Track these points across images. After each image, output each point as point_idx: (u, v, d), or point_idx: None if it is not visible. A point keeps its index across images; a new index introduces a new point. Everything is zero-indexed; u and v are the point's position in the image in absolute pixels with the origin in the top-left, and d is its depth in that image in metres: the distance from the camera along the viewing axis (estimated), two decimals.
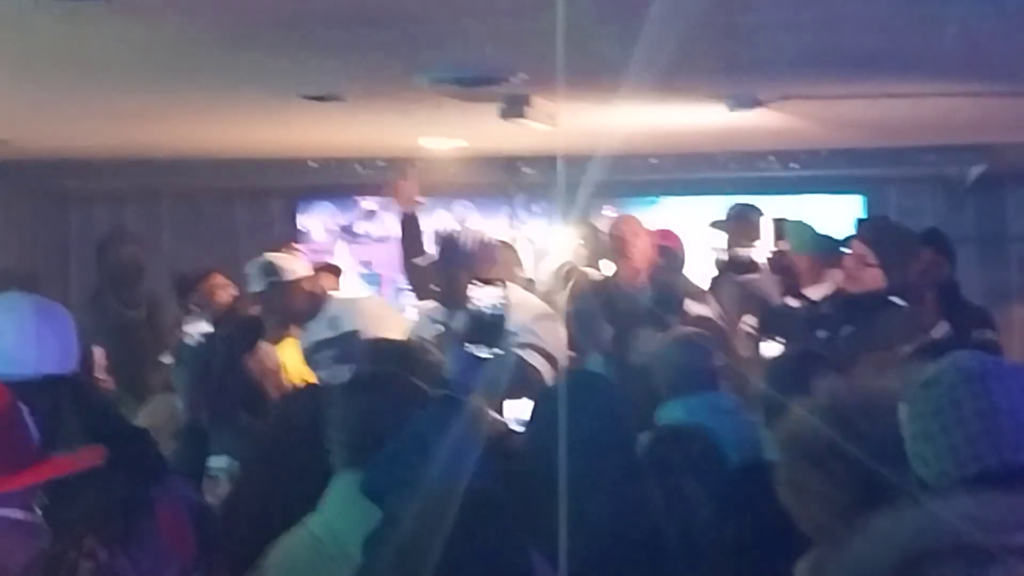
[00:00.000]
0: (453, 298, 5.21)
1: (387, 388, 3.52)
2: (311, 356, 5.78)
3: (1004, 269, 9.35)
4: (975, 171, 8.61)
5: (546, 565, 2.91)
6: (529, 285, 6.32)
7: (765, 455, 3.22)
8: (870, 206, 9.10)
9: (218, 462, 4.48)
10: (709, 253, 6.42)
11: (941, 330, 5.35)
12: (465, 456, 2.97)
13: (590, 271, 6.40)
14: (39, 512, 2.51)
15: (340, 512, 3.27)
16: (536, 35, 4.22)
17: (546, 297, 5.93)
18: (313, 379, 5.47)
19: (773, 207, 6.61)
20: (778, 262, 5.57)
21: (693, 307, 5.61)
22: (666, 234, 6.73)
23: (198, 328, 4.82)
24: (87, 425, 2.99)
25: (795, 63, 5.22)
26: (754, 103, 6.02)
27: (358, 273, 9.25)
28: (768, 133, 7.17)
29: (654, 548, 3.48)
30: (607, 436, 3.56)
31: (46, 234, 9.48)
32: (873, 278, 5.28)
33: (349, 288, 7.58)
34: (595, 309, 5.90)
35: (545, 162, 8.52)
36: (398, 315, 6.34)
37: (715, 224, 6.54)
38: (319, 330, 5.84)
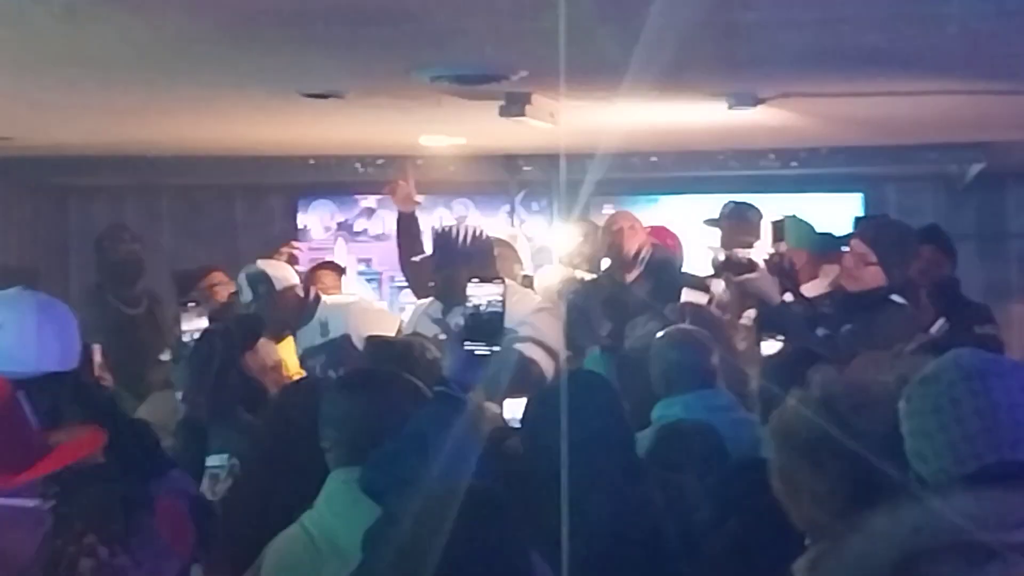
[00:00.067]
0: (451, 295, 5.21)
1: (382, 386, 3.51)
2: (304, 362, 5.78)
3: (1003, 267, 9.37)
4: (974, 169, 8.61)
5: (544, 565, 2.91)
6: (528, 282, 6.33)
7: (762, 453, 3.21)
8: (869, 204, 9.12)
9: (218, 460, 4.48)
10: (706, 252, 6.42)
11: (941, 327, 5.35)
12: (464, 454, 2.97)
13: (588, 269, 6.41)
14: (48, 500, 2.51)
15: (335, 510, 3.27)
16: (536, 33, 4.22)
17: (545, 294, 5.93)
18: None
19: (773, 205, 6.61)
20: (777, 263, 5.57)
21: (689, 296, 5.61)
22: (661, 231, 6.73)
23: (196, 325, 4.82)
24: (88, 421, 2.99)
25: (795, 61, 5.22)
26: (754, 101, 6.02)
27: (357, 271, 9.25)
28: (768, 131, 7.17)
29: (654, 547, 3.48)
30: (606, 436, 3.57)
31: (46, 230, 9.49)
32: (873, 276, 5.28)
33: (350, 286, 7.58)
34: (593, 305, 5.91)
35: (545, 160, 8.52)
36: (389, 316, 6.34)
37: (709, 222, 6.54)
38: (312, 336, 5.84)
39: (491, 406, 3.97)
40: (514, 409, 4.08)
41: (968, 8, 4.25)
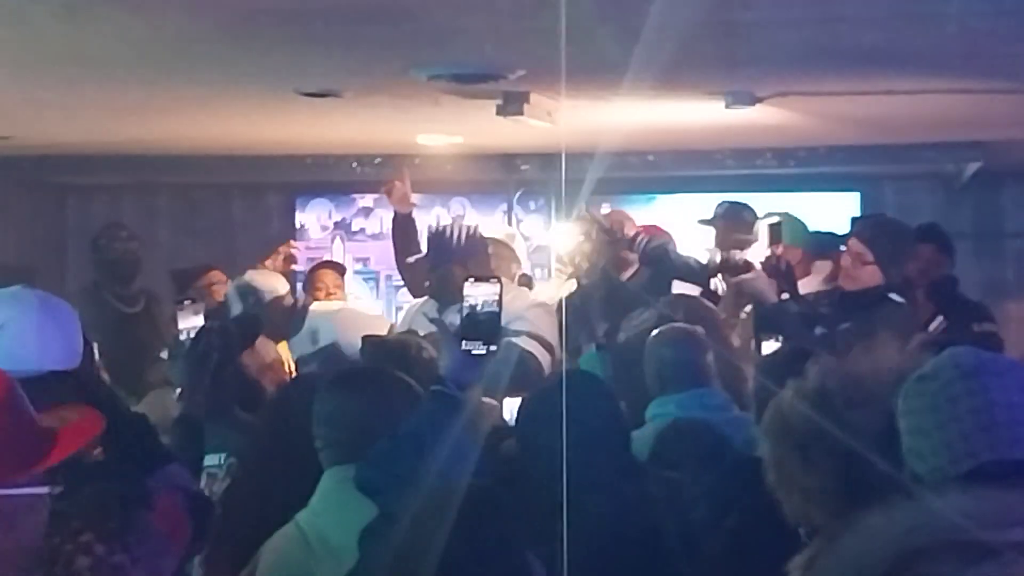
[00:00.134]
0: (446, 294, 5.21)
1: (374, 384, 3.51)
2: (298, 371, 5.77)
3: (1000, 265, 9.38)
4: (972, 168, 8.61)
5: (540, 566, 2.91)
6: (526, 281, 6.33)
7: (756, 452, 3.21)
8: (867, 203, 9.12)
9: (215, 459, 4.48)
10: (702, 253, 6.42)
11: (939, 325, 5.36)
12: (461, 453, 2.97)
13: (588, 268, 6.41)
14: (56, 487, 2.50)
15: (328, 508, 3.27)
16: (534, 32, 4.23)
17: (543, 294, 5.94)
18: None
19: (770, 204, 6.61)
20: (773, 265, 5.57)
21: (681, 288, 5.61)
22: (654, 230, 6.73)
23: (193, 322, 4.81)
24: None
25: (793, 60, 5.23)
26: (752, 100, 6.02)
27: (354, 270, 9.25)
28: (766, 130, 7.18)
29: (651, 547, 3.48)
30: (601, 436, 3.56)
31: (44, 229, 9.49)
32: (870, 275, 5.29)
33: (350, 286, 7.57)
34: (591, 306, 5.90)
35: (543, 159, 8.52)
36: (379, 320, 6.33)
37: (703, 221, 6.54)
38: (302, 345, 5.83)
39: (489, 401, 3.97)
40: (512, 409, 4.09)
41: (966, 7, 4.25)
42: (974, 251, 8.97)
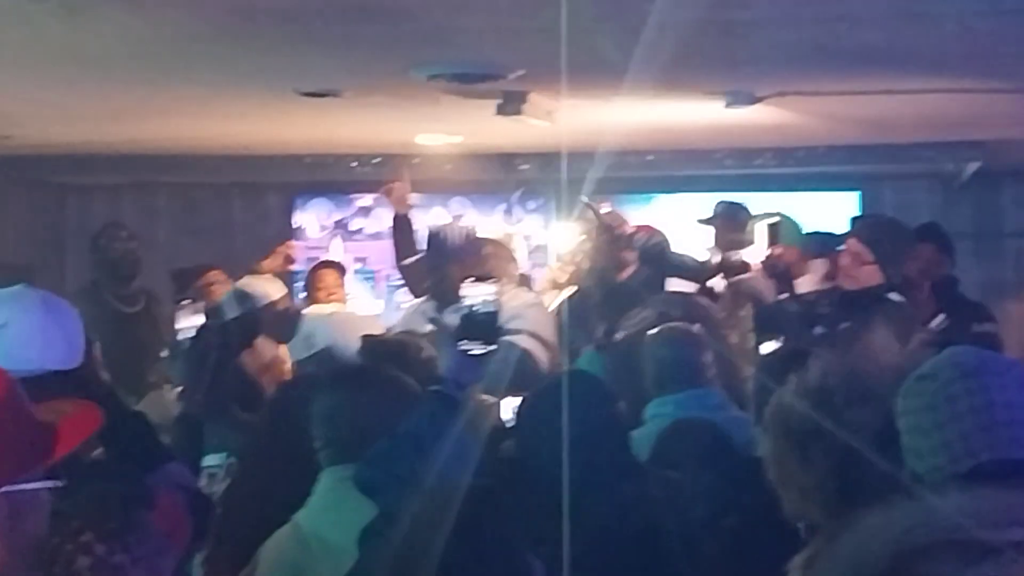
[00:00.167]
0: (444, 294, 5.22)
1: (372, 384, 3.51)
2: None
3: (1000, 265, 9.38)
4: (971, 167, 8.61)
5: (540, 566, 2.92)
6: (525, 281, 6.33)
7: (755, 452, 3.22)
8: (866, 202, 9.12)
9: (215, 459, 4.48)
10: (702, 253, 6.43)
11: (940, 323, 5.36)
12: (460, 453, 2.97)
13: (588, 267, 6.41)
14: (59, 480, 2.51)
15: (327, 508, 3.27)
16: (534, 32, 4.23)
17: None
18: None
19: (769, 204, 6.61)
20: (772, 266, 5.58)
21: (676, 285, 5.61)
22: (648, 229, 6.73)
23: (192, 322, 4.82)
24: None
25: (792, 59, 5.23)
26: (751, 99, 6.03)
27: (353, 270, 9.25)
28: (765, 129, 7.18)
29: (651, 546, 3.48)
30: (599, 436, 3.56)
31: (43, 228, 9.49)
32: (870, 275, 5.28)
33: (351, 285, 7.57)
34: (590, 305, 5.91)
35: (542, 159, 8.52)
36: (373, 322, 6.32)
37: (702, 221, 6.55)
38: (297, 349, 5.82)
39: (489, 398, 3.97)
40: (512, 408, 4.09)
41: (965, 7, 4.26)
42: (974, 251, 8.97)
